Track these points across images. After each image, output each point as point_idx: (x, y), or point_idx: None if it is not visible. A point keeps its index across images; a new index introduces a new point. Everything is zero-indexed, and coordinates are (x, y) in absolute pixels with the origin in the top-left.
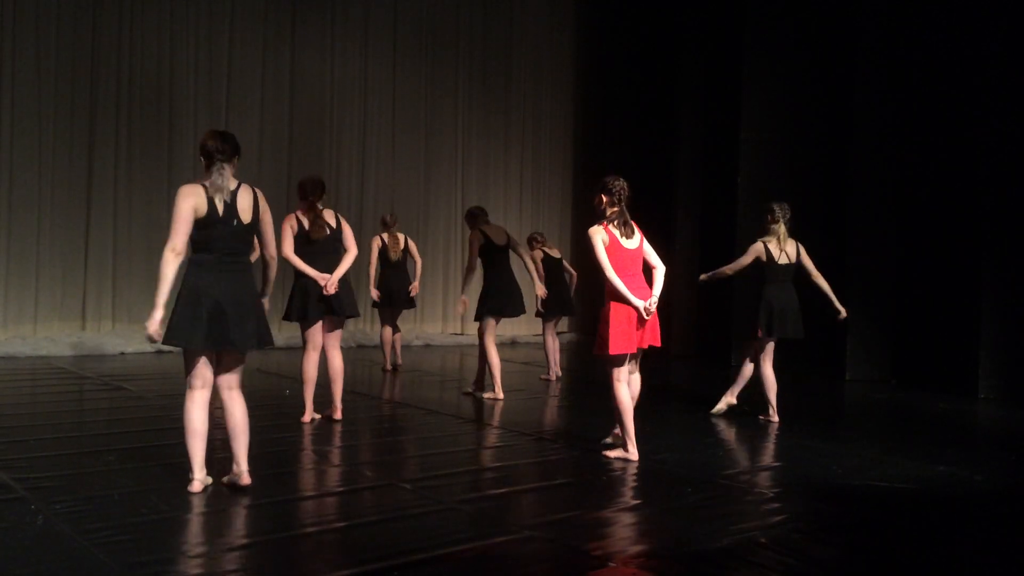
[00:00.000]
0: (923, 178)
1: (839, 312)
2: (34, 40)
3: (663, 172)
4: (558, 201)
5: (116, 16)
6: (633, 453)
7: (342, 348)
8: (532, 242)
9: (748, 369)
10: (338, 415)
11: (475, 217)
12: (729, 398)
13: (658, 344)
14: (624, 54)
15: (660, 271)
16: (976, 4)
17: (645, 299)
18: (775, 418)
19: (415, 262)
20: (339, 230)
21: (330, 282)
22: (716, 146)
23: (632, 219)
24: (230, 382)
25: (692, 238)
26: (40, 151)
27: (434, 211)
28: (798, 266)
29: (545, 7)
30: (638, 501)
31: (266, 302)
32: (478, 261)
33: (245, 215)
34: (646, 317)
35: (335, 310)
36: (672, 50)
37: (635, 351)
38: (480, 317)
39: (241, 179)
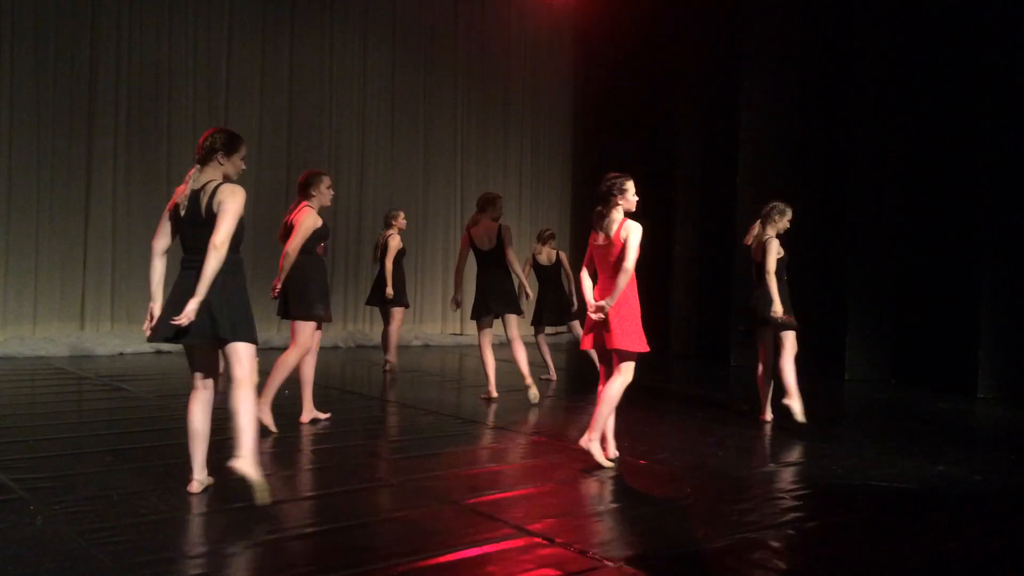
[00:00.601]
0: (923, 178)
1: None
2: (33, 39)
3: (662, 172)
4: (557, 199)
5: (114, 15)
6: (604, 451)
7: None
8: (537, 239)
9: (781, 368)
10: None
11: (477, 207)
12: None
13: (612, 346)
14: (624, 52)
15: (621, 276)
16: (975, 3)
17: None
18: (767, 416)
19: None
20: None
21: (273, 287)
22: (715, 146)
23: (631, 217)
24: (232, 377)
25: (691, 238)
26: (39, 151)
27: (433, 209)
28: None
29: (544, 3)
30: (637, 501)
31: (193, 300)
32: (467, 261)
33: (206, 212)
34: (592, 317)
35: (279, 311)
36: (672, 49)
37: (588, 349)
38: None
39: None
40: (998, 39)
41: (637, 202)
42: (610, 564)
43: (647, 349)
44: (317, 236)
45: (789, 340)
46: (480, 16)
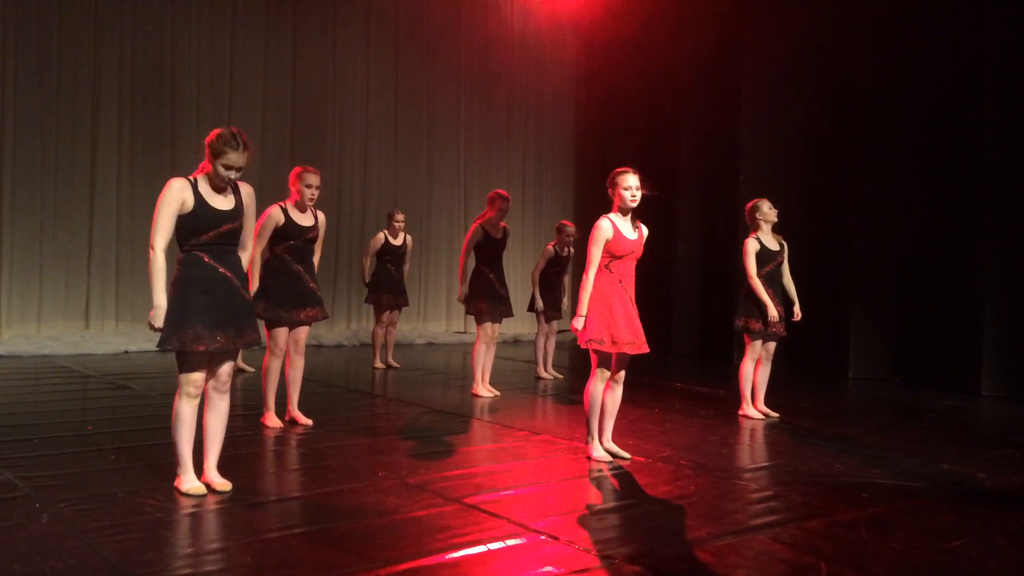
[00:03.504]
0: (926, 176)
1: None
2: (36, 38)
3: (665, 169)
4: (560, 198)
5: (118, 14)
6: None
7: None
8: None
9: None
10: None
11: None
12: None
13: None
14: (626, 51)
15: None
16: (978, 2)
17: None
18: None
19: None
20: None
21: None
22: (718, 144)
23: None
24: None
25: (694, 236)
26: (43, 149)
27: (437, 208)
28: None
29: (546, 2)
30: (641, 499)
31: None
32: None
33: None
34: None
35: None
36: (673, 48)
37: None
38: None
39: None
40: (1002, 37)
41: (637, 197)
42: (614, 561)
43: (581, 344)
44: (280, 235)
45: (753, 346)
46: (482, 16)
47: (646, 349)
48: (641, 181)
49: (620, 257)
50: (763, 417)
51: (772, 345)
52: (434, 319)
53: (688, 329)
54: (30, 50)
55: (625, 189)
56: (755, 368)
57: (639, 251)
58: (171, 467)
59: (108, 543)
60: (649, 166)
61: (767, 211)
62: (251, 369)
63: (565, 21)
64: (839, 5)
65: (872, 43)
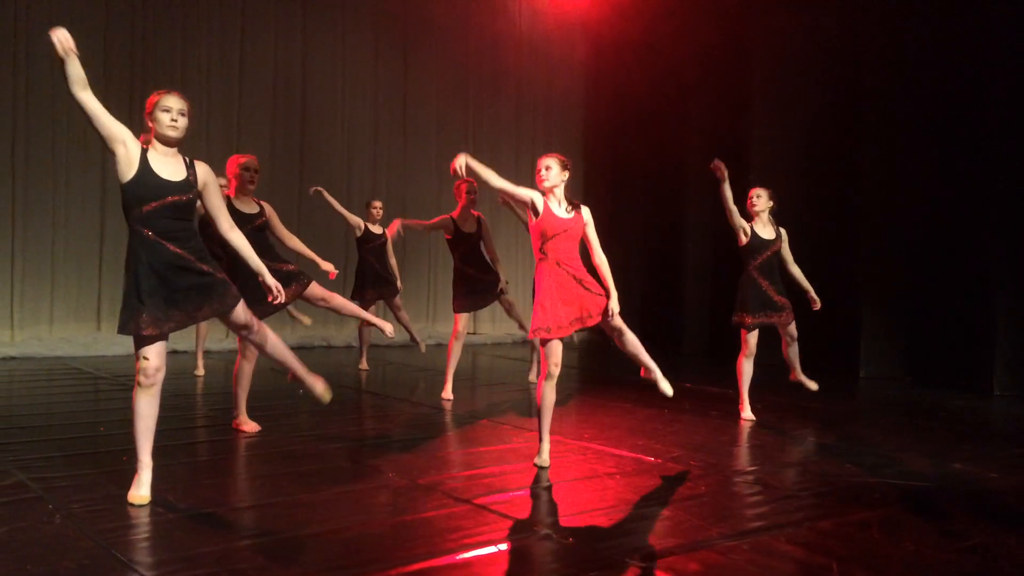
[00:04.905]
0: (938, 173)
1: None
2: (47, 40)
3: (675, 169)
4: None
5: (128, 12)
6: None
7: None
8: None
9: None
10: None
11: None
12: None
13: None
14: (635, 51)
15: None
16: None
17: None
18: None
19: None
20: None
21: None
22: (728, 144)
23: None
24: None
25: (704, 236)
26: (54, 151)
27: (446, 207)
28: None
29: (554, 3)
30: (651, 499)
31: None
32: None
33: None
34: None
35: None
36: (682, 47)
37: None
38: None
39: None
40: (1008, 34)
41: (546, 176)
42: (625, 561)
43: (530, 335)
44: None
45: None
46: (490, 16)
47: (590, 323)
48: (560, 162)
49: (552, 237)
50: (753, 420)
51: (791, 326)
52: (443, 320)
53: (698, 328)
54: (41, 51)
55: (545, 173)
56: (783, 349)
57: (574, 231)
58: (183, 468)
59: (121, 544)
60: (658, 164)
61: (752, 200)
62: (307, 320)
63: (573, 21)
64: (845, 3)
65: (879, 41)
